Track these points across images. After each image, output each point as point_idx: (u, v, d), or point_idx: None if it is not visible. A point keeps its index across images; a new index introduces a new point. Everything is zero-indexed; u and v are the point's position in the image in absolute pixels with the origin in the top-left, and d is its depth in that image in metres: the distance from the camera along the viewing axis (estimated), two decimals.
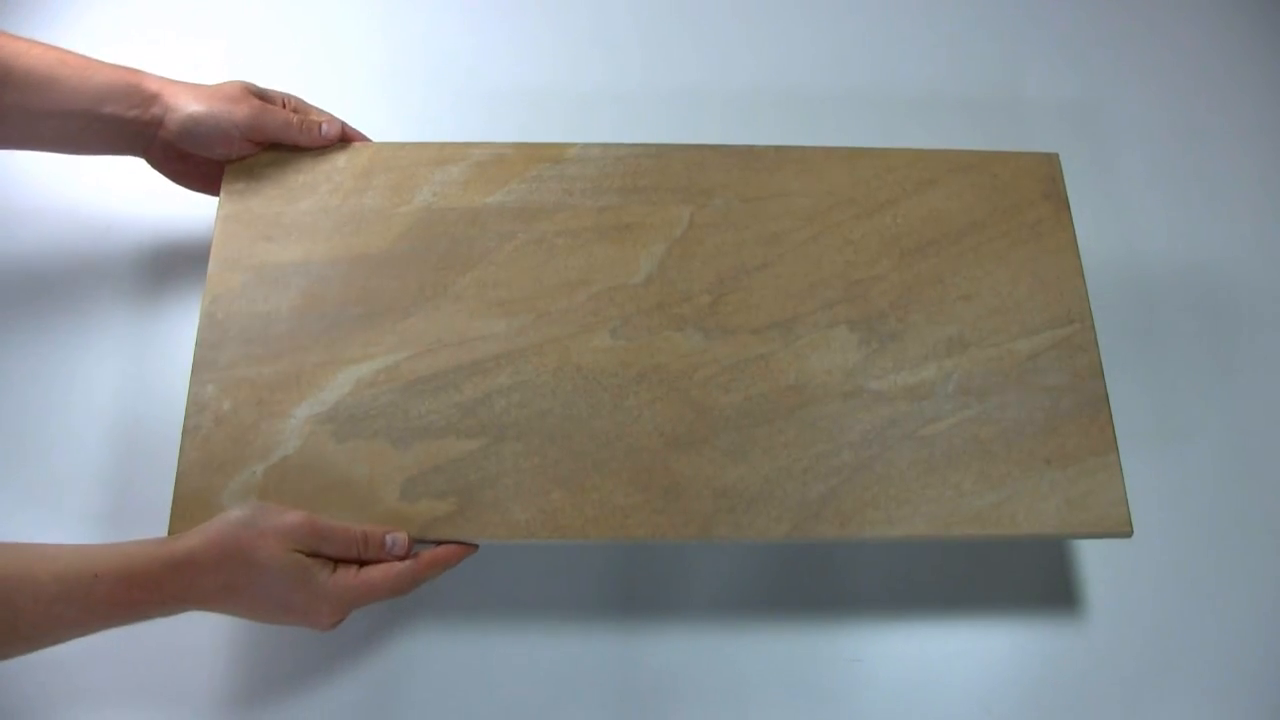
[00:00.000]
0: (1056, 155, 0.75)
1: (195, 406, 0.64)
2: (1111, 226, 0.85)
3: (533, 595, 0.69)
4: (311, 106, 0.74)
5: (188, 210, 0.79)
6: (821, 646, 0.69)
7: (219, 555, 0.57)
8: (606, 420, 0.65)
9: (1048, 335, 0.68)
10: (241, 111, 0.69)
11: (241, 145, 0.71)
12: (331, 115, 0.74)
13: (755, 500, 0.63)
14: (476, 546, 0.64)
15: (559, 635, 0.68)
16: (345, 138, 0.74)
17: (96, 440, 0.72)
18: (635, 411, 0.65)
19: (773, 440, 0.65)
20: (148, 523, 0.66)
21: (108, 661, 0.65)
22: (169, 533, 0.61)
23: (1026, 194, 0.73)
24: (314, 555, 0.59)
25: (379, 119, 0.78)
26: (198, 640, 0.67)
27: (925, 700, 0.68)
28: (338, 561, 0.60)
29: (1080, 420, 0.66)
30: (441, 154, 0.73)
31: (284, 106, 0.73)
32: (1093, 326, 0.69)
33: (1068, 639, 0.70)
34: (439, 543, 0.63)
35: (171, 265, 0.79)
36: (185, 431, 0.64)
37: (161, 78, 0.70)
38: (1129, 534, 0.63)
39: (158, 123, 0.69)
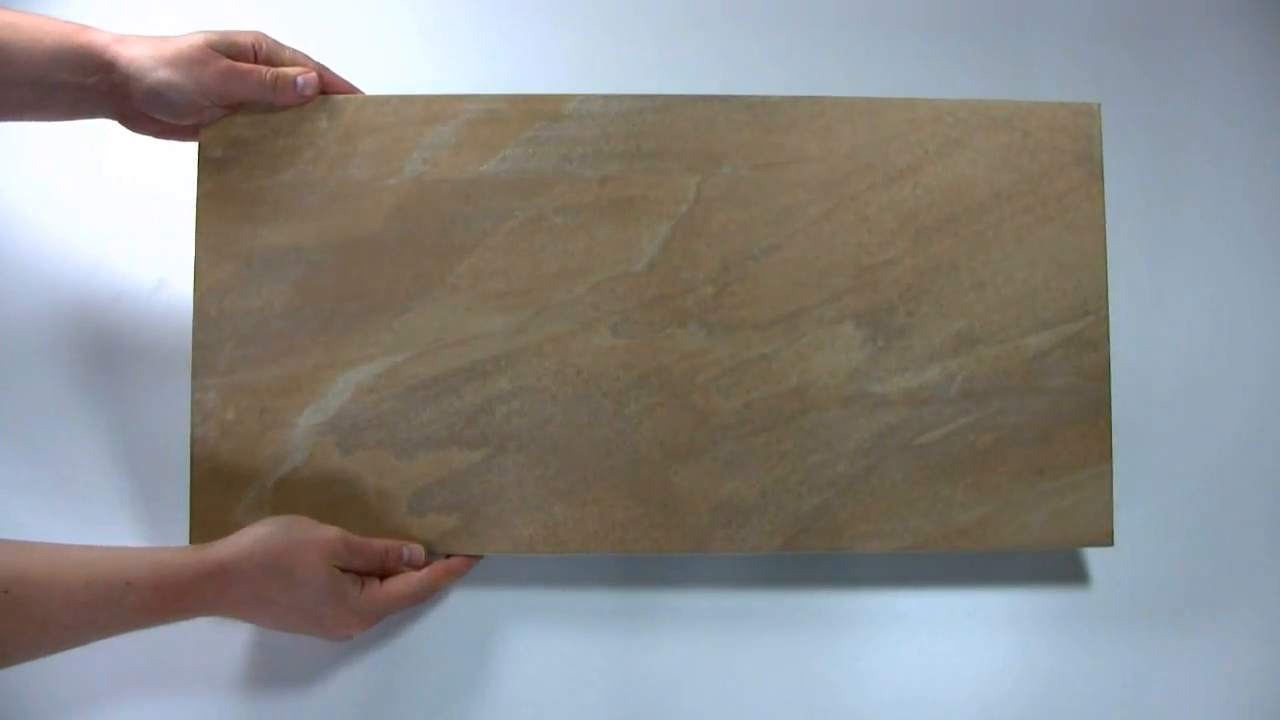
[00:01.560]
0: (1097, 107, 0.69)
1: (200, 415, 0.65)
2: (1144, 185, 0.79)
3: (533, 590, 0.71)
4: (284, 48, 0.67)
5: (171, 188, 0.74)
6: (822, 646, 0.70)
7: (255, 567, 0.59)
8: (607, 428, 0.65)
9: (1058, 330, 0.67)
10: (209, 76, 0.63)
11: (212, 112, 0.66)
12: (307, 61, 0.68)
13: (751, 513, 0.65)
14: (481, 556, 0.67)
15: (559, 633, 0.70)
16: (325, 87, 0.68)
17: (99, 442, 0.73)
18: (636, 419, 0.65)
19: (770, 450, 0.65)
20: (154, 526, 0.69)
21: (109, 656, 0.65)
22: (190, 544, 0.64)
23: (1058, 157, 0.68)
24: (344, 570, 0.62)
25: (363, 61, 0.71)
26: (199, 638, 0.68)
27: (926, 701, 0.69)
28: (362, 575, 0.63)
29: (1079, 427, 0.66)
30: (430, 110, 0.67)
31: (254, 54, 0.66)
32: (1107, 319, 0.67)
33: (1069, 637, 0.71)
34: (447, 555, 0.66)
35: (171, 261, 0.75)
36: (193, 441, 0.65)
37: (115, 37, 0.63)
38: (1109, 545, 0.66)
39: (121, 91, 0.63)
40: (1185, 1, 0.82)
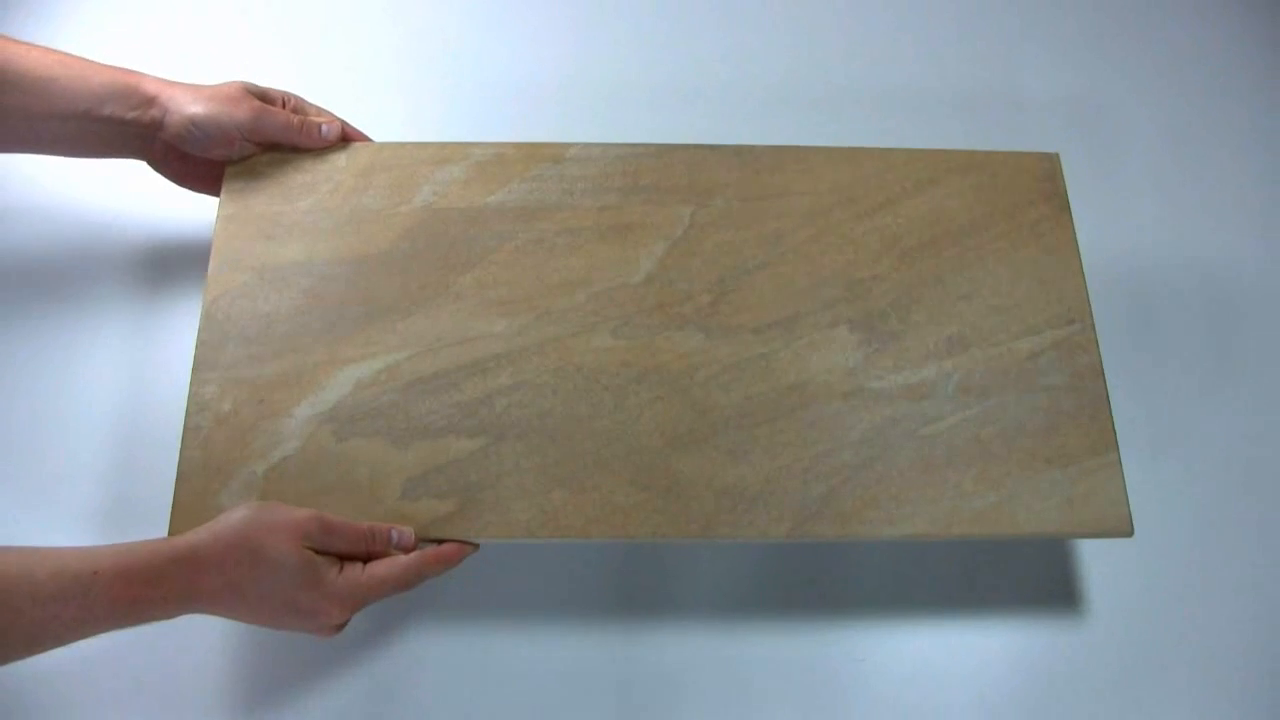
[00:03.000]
0: (1056, 155, 0.75)
1: (196, 406, 0.64)
2: (1111, 224, 0.85)
3: (533, 594, 0.69)
4: (311, 105, 0.74)
5: (188, 210, 0.79)
6: (824, 646, 0.69)
7: (225, 550, 0.56)
8: (607, 420, 0.65)
9: (1048, 335, 0.68)
10: (241, 113, 0.69)
11: (242, 146, 0.71)
12: (331, 115, 0.74)
13: (756, 500, 0.63)
14: (477, 545, 0.64)
15: (560, 634, 0.68)
16: (345, 137, 0.74)
17: (96, 440, 0.72)
18: (636, 411, 0.65)
19: (773, 440, 0.65)
20: (148, 523, 0.67)
21: (106, 666, 0.65)
22: (169, 534, 0.61)
23: (1026, 194, 0.73)
24: (322, 553, 0.59)
25: (379, 117, 0.78)
26: (197, 644, 0.67)
27: (927, 699, 0.68)
28: (343, 559, 0.60)
29: (1080, 420, 0.66)
30: (442, 153, 0.73)
31: (284, 106, 0.72)
32: (1093, 326, 0.69)
33: (1069, 637, 0.70)
34: (441, 542, 0.63)
35: (172, 265, 0.79)
36: (186, 431, 0.64)
37: (160, 79, 0.69)
38: (1129, 534, 0.63)
39: (157, 125, 0.68)
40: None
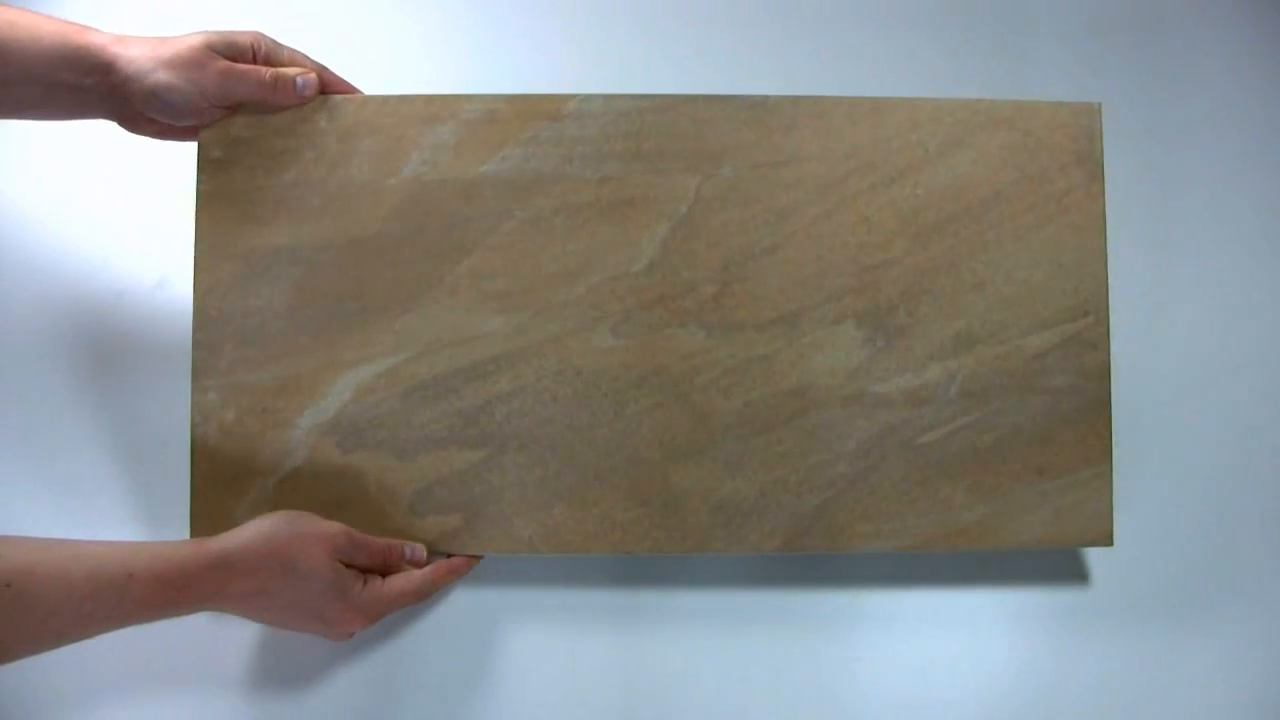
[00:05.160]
0: (1097, 107, 0.68)
1: (200, 416, 0.65)
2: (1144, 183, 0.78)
3: (533, 593, 0.71)
4: (283, 48, 0.67)
5: (186, 206, 0.74)
6: (822, 646, 0.70)
7: (258, 559, 0.59)
8: (607, 429, 0.65)
9: (1059, 330, 0.66)
10: (208, 79, 0.63)
11: (212, 113, 0.66)
12: (306, 60, 0.68)
13: (750, 514, 0.65)
14: (481, 556, 0.67)
15: (559, 635, 0.70)
16: (324, 87, 0.68)
17: (99, 440, 0.73)
18: (636, 419, 0.66)
19: (770, 450, 0.65)
20: (154, 524, 0.69)
21: (111, 654, 0.66)
22: None
23: (1058, 156, 0.68)
24: (347, 565, 0.62)
25: (359, 63, 0.71)
26: (199, 641, 0.69)
27: (927, 700, 0.70)
28: (365, 572, 0.63)
29: (1079, 427, 0.66)
30: (429, 110, 0.67)
31: (253, 56, 0.66)
32: (1107, 319, 0.67)
33: (1069, 637, 0.71)
34: (450, 554, 0.66)
35: (171, 261, 0.75)
36: (193, 442, 0.65)
37: (113, 37, 0.63)
38: (1109, 545, 0.66)
39: (120, 92, 0.63)
40: (1184, 2, 0.82)
